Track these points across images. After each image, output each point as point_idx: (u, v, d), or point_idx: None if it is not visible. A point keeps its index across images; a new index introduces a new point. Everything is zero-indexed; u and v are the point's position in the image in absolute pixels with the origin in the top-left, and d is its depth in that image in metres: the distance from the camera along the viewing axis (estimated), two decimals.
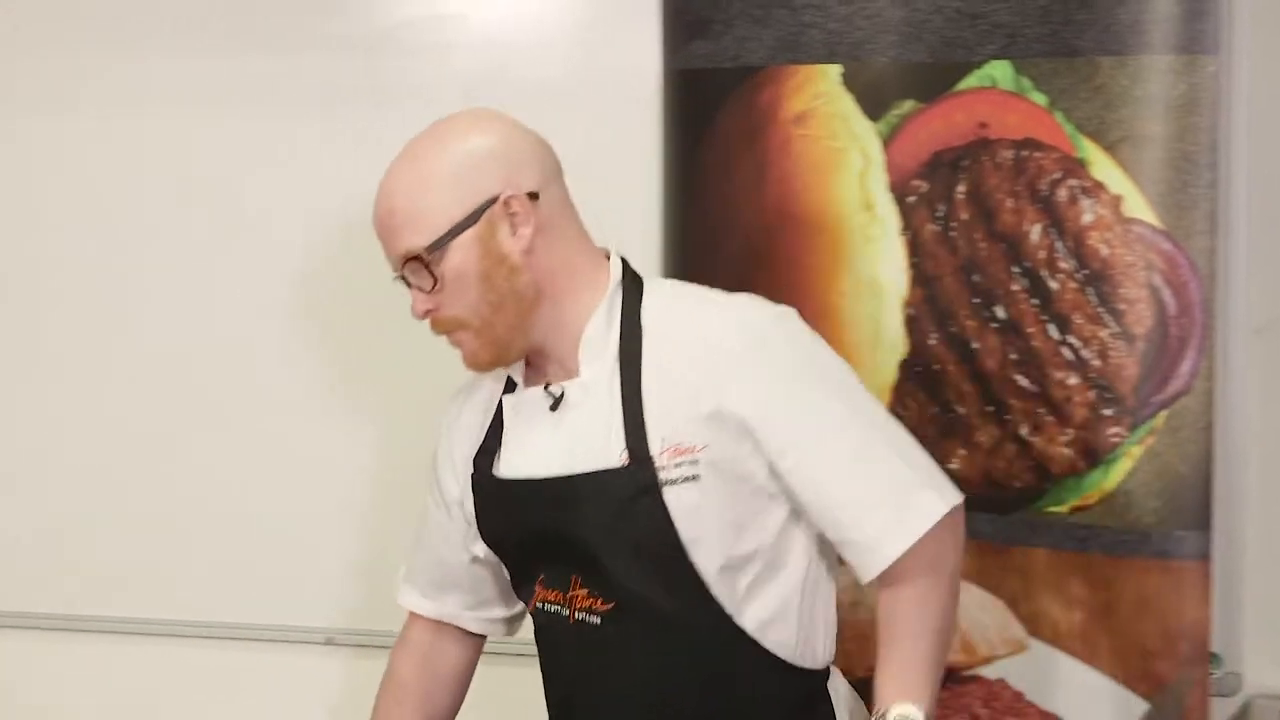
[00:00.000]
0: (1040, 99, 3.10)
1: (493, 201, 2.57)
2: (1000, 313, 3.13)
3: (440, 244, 2.55)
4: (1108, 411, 3.07)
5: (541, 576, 2.67)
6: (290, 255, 3.75)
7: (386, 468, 3.68)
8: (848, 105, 3.23)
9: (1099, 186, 3.07)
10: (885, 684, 2.54)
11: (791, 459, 2.52)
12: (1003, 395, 3.12)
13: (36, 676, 3.90)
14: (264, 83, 3.76)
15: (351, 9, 3.75)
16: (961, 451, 3.15)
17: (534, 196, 2.59)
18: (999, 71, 3.14)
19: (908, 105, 3.19)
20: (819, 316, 3.19)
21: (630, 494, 2.54)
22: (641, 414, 2.56)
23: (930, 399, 3.17)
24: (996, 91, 3.14)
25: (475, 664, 2.92)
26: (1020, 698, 3.11)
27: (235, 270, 3.78)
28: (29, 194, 3.89)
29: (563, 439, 2.62)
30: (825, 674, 2.68)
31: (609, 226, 3.62)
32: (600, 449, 2.58)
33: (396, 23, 3.75)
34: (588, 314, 2.62)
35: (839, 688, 2.70)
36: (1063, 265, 3.09)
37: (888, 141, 3.20)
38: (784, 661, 2.60)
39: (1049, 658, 3.11)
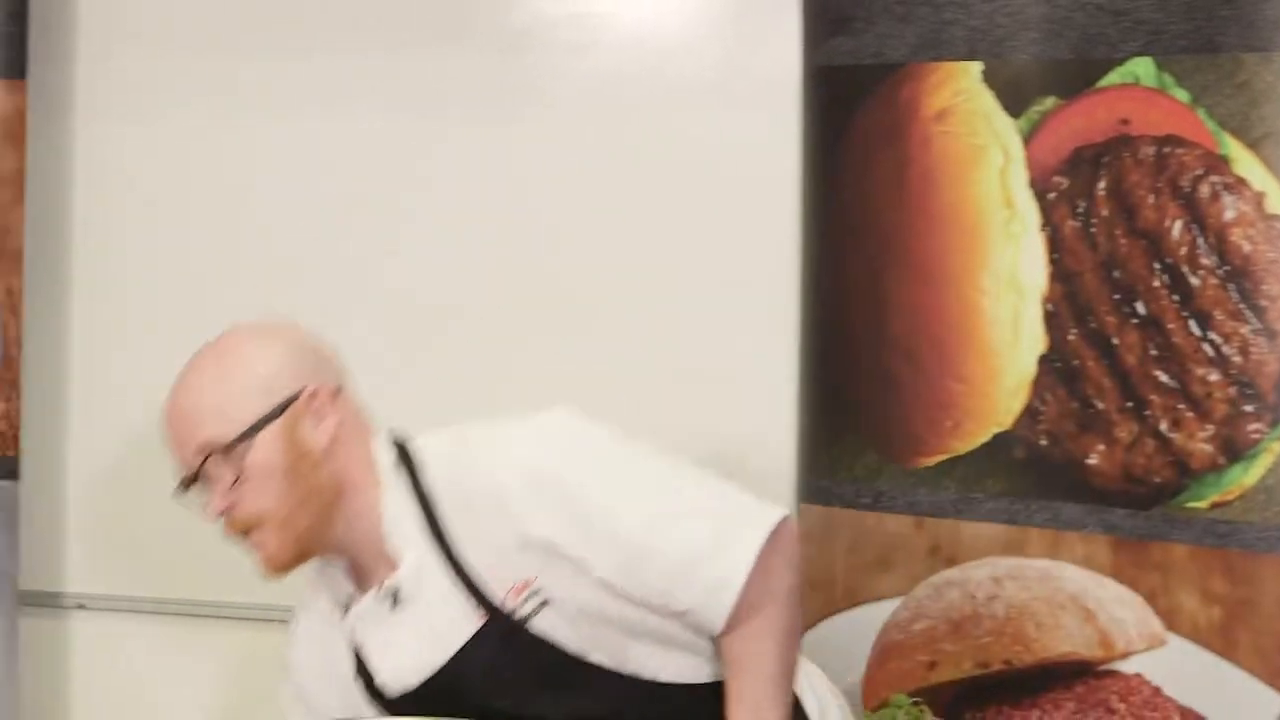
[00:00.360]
0: (1183, 95, 3.09)
1: (296, 396, 2.58)
2: (1140, 309, 3.12)
3: (246, 436, 2.54)
4: (1248, 408, 3.06)
5: None
6: (444, 253, 3.81)
7: None
8: (988, 102, 3.23)
9: (1241, 183, 3.06)
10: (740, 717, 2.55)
11: (600, 568, 2.52)
12: (1142, 391, 3.11)
13: (173, 662, 3.98)
14: (410, 82, 3.81)
15: (497, 8, 3.80)
16: (1100, 447, 3.14)
17: (336, 392, 2.61)
18: (1141, 68, 3.14)
19: (1049, 102, 3.19)
20: (958, 313, 3.22)
21: (505, 645, 2.56)
22: (473, 572, 2.56)
23: (1069, 395, 3.17)
24: (1139, 88, 3.14)
25: None
26: (1158, 693, 3.11)
27: (398, 269, 3.85)
28: (204, 193, 3.97)
29: (418, 632, 2.61)
30: None
31: (747, 224, 3.68)
32: (458, 621, 2.58)
33: (540, 21, 3.79)
34: (380, 499, 2.61)
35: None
36: (1204, 262, 3.08)
37: (1028, 138, 3.20)
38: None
39: (1187, 653, 3.10)
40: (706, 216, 3.70)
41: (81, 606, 4.07)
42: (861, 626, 3.32)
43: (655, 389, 3.71)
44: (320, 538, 2.60)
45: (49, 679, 4.10)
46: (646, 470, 2.60)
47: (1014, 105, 3.21)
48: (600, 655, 2.57)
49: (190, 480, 2.56)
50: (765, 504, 2.55)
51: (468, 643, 2.58)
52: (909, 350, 3.27)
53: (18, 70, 3.77)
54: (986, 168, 3.22)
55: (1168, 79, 3.11)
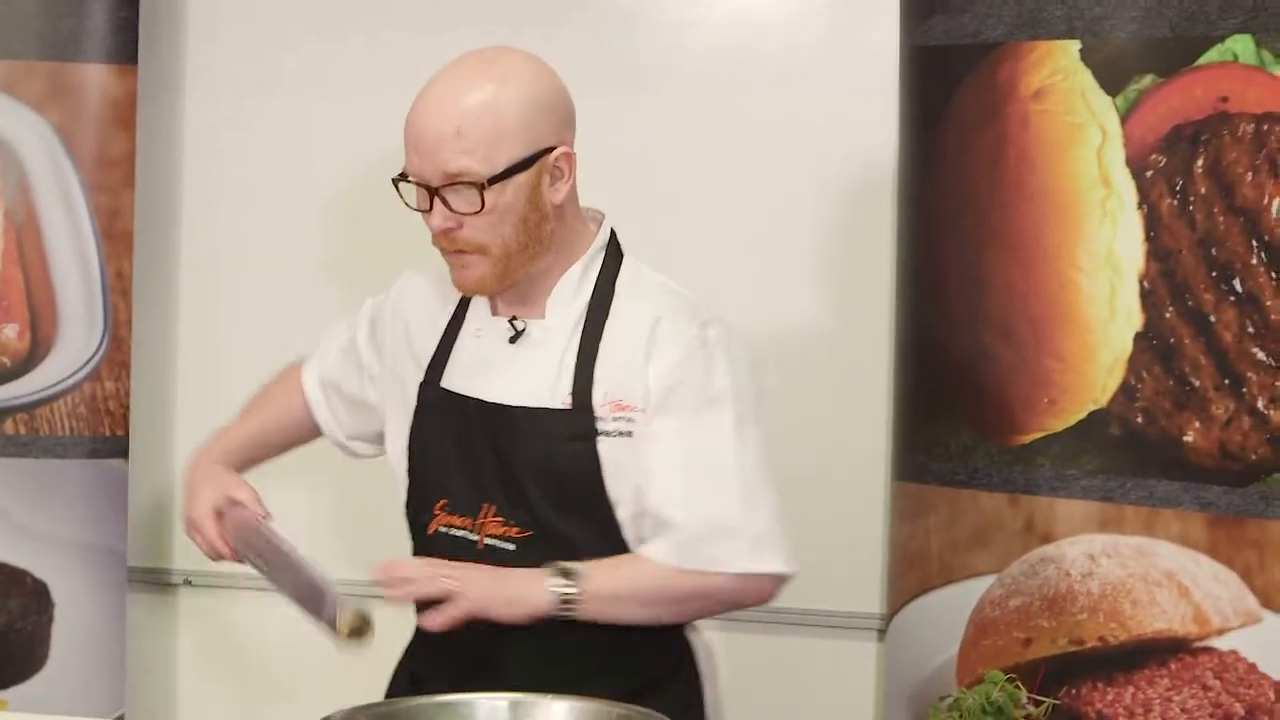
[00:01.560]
0: None
1: (548, 151, 2.68)
2: (1238, 286, 3.10)
3: (500, 178, 2.64)
4: None
5: (444, 501, 2.77)
6: None
7: None
8: (1086, 80, 3.22)
9: None
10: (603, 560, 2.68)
11: (653, 456, 2.69)
12: (1240, 368, 3.10)
13: (277, 637, 4.03)
14: None
15: None
16: (1196, 424, 3.13)
17: (574, 156, 2.73)
18: (1240, 46, 3.12)
19: (1146, 80, 3.18)
20: (1055, 291, 3.21)
21: (567, 435, 2.69)
22: (593, 366, 2.71)
23: (1165, 372, 3.15)
24: (1237, 66, 3.12)
25: None
26: (1253, 669, 3.09)
27: None
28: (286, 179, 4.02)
29: (514, 370, 2.75)
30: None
31: (847, 201, 3.69)
32: (547, 388, 2.72)
33: (646, 1, 3.82)
34: (567, 266, 2.76)
35: (697, 637, 2.88)
36: None
37: (1125, 116, 3.19)
38: None
39: None
40: (805, 194, 3.72)
41: (188, 582, 4.14)
42: (956, 603, 3.32)
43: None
44: (522, 277, 2.73)
45: (156, 654, 4.16)
46: (753, 431, 2.75)
47: (1112, 83, 3.20)
48: (619, 505, 2.71)
49: (430, 191, 2.65)
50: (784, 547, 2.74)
51: (541, 409, 2.72)
52: (1006, 328, 3.26)
53: (129, 56, 3.83)
54: (1084, 146, 3.21)
55: (1266, 56, 3.09)
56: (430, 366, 2.83)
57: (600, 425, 2.69)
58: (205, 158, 4.08)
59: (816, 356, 3.73)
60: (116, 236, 3.83)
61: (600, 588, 2.64)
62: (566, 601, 2.61)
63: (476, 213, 2.64)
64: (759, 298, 3.76)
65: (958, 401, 3.34)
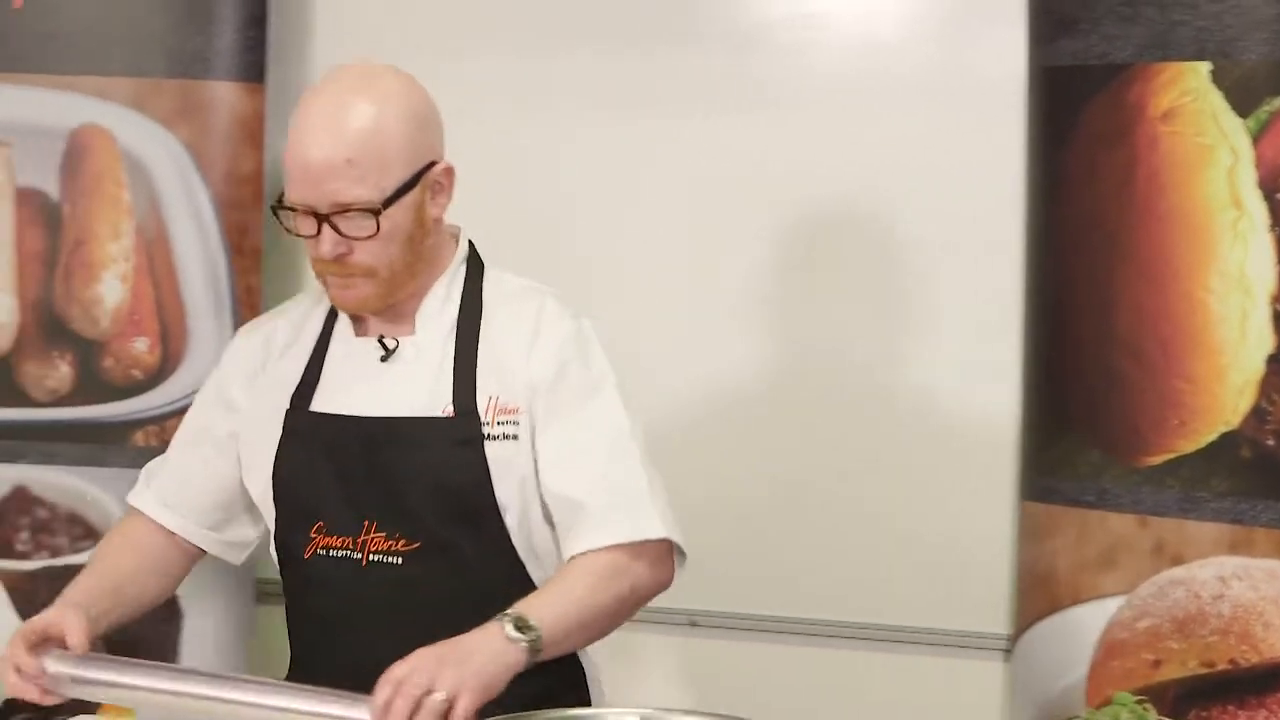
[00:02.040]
0: None
1: (429, 167, 2.70)
2: None
3: (391, 201, 2.64)
4: None
5: (320, 524, 2.75)
6: (671, 249, 3.87)
7: None
8: (1216, 102, 3.22)
9: None
10: (531, 597, 2.61)
11: (550, 440, 2.69)
12: None
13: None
14: (637, 81, 3.87)
15: (722, 9, 3.84)
16: None
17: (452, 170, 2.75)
18: None
19: (1278, 102, 3.17)
20: (1185, 312, 3.21)
21: (452, 443, 2.69)
22: (474, 372, 2.71)
23: None
24: None
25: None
26: None
27: (626, 264, 3.90)
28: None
29: (389, 385, 2.75)
30: None
31: (973, 222, 3.68)
32: (426, 400, 2.72)
33: (764, 21, 3.82)
34: (433, 281, 2.77)
35: (586, 656, 2.86)
36: None
37: (1257, 138, 3.18)
38: None
39: None
40: (930, 216, 3.71)
41: None
42: (1084, 624, 3.32)
43: (876, 384, 3.73)
44: (399, 296, 2.73)
45: (283, 667, 4.18)
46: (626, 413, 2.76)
47: (1243, 105, 3.20)
48: (508, 510, 2.70)
49: (319, 218, 2.62)
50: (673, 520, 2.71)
51: (424, 418, 2.71)
52: (1135, 349, 3.26)
53: (257, 74, 3.87)
54: (1215, 167, 3.21)
55: None
56: (297, 393, 2.80)
57: (486, 430, 2.69)
58: None
59: (944, 376, 3.73)
60: (246, 252, 3.86)
61: (556, 623, 2.55)
62: (535, 650, 2.52)
63: (369, 238, 2.63)
64: (878, 319, 3.77)
65: (1086, 422, 3.34)
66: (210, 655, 3.87)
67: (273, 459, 2.80)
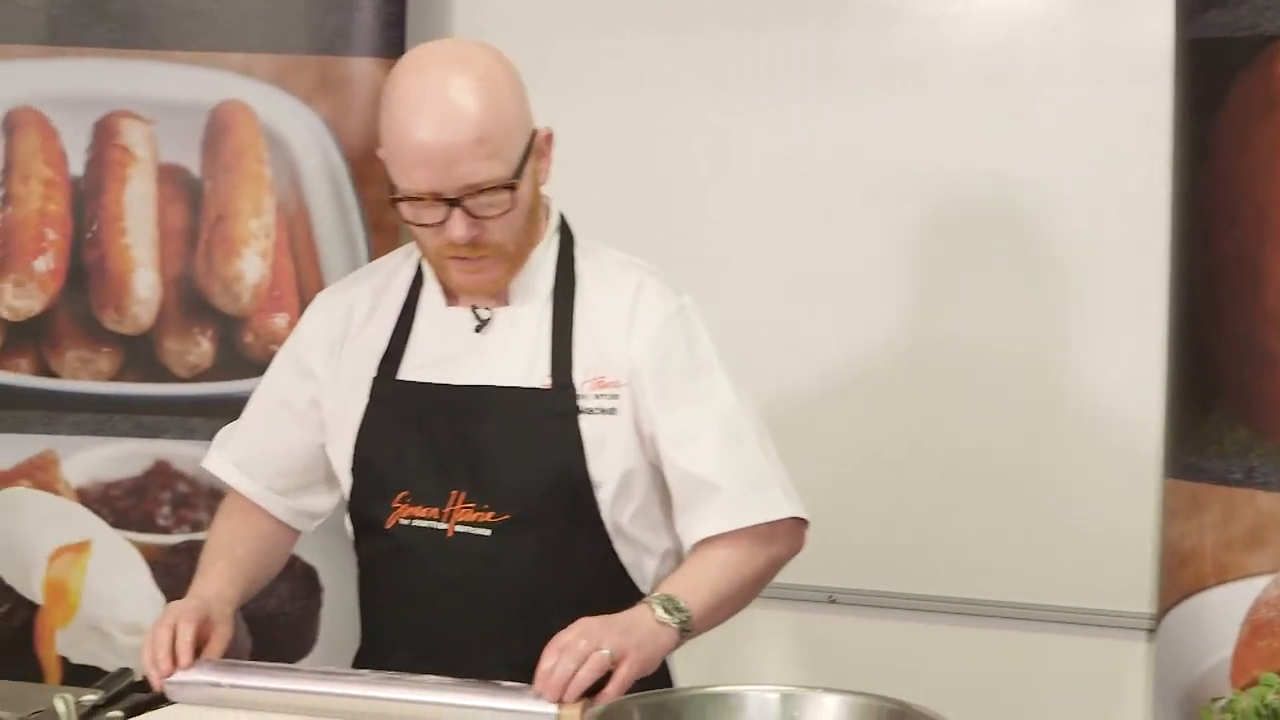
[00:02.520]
0: None
1: (535, 134, 2.67)
2: None
3: (520, 173, 2.61)
4: None
5: (405, 493, 2.72)
6: (816, 224, 3.86)
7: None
8: None
9: None
10: (673, 580, 2.62)
11: (669, 419, 2.66)
12: None
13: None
14: (785, 57, 3.86)
15: None
16: None
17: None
18: None
19: None
20: None
21: (547, 415, 2.66)
22: (570, 345, 2.68)
23: None
24: None
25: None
26: None
27: (768, 243, 3.89)
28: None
29: (483, 356, 2.71)
30: None
31: (1119, 199, 3.64)
32: (522, 371, 2.69)
33: None
34: (530, 250, 2.72)
35: None
36: None
37: None
38: (637, 589, 2.72)
39: None
40: (1074, 194, 3.68)
41: None
42: (1231, 603, 3.27)
43: (1020, 362, 3.70)
44: (519, 270, 2.71)
45: None
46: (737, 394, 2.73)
47: None
48: (600, 485, 2.68)
49: (448, 203, 2.59)
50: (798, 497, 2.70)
51: (519, 389, 2.69)
52: None
53: (397, 50, 3.87)
54: None
55: None
56: (384, 361, 2.78)
57: (582, 403, 2.67)
58: None
59: (1088, 354, 3.69)
60: (384, 228, 3.88)
61: (702, 604, 2.59)
62: (684, 630, 2.56)
63: (504, 214, 2.61)
64: (1022, 295, 3.74)
65: (1233, 399, 3.29)
66: (347, 631, 3.88)
67: (357, 428, 2.79)
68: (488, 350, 2.73)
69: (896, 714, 2.36)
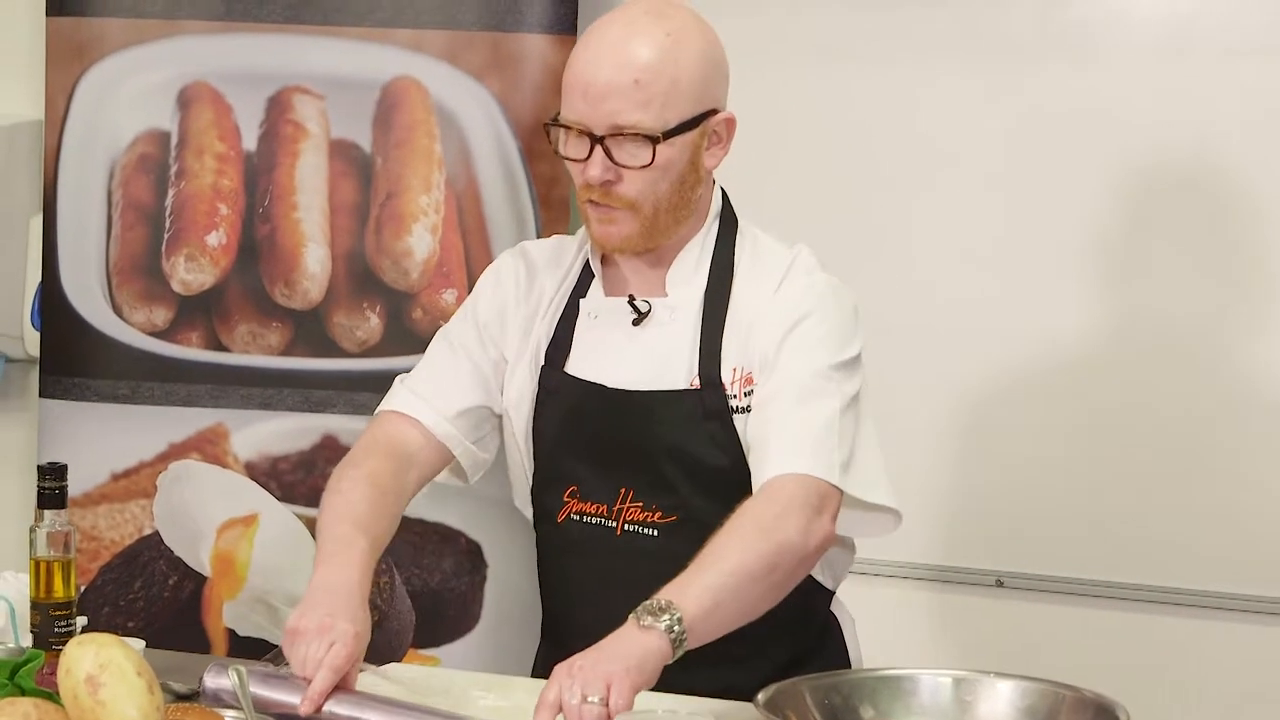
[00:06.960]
0: None
1: (713, 114, 2.62)
2: None
3: (672, 134, 2.58)
4: None
5: (574, 488, 2.70)
6: (983, 200, 3.82)
7: None
8: None
9: None
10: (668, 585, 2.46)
11: (773, 396, 2.61)
12: None
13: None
14: (946, 32, 3.83)
15: None
16: None
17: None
18: None
19: None
20: None
21: (699, 417, 2.63)
22: (720, 342, 2.64)
23: None
24: None
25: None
26: None
27: (941, 217, 3.84)
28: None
29: (639, 353, 2.69)
30: (833, 594, 2.83)
31: None
32: (673, 370, 2.65)
33: None
34: (690, 237, 2.69)
35: (842, 609, 2.82)
36: None
37: None
38: (812, 577, 2.66)
39: None
40: (1265, 171, 3.60)
41: None
42: None
43: (1204, 346, 3.66)
44: (659, 241, 2.68)
45: None
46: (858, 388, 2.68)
47: None
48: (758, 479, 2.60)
49: (592, 139, 2.59)
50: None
51: (671, 391, 2.67)
52: None
53: (568, 26, 3.88)
54: None
55: None
56: (551, 348, 2.76)
57: (733, 402, 2.64)
58: None
59: (1274, 338, 3.62)
60: (554, 204, 3.87)
61: (696, 600, 2.42)
62: (676, 630, 2.39)
63: (642, 167, 2.58)
64: (1214, 279, 3.67)
65: None
66: (512, 606, 3.88)
67: (531, 412, 2.78)
68: (642, 348, 2.71)
69: (1070, 699, 2.33)
